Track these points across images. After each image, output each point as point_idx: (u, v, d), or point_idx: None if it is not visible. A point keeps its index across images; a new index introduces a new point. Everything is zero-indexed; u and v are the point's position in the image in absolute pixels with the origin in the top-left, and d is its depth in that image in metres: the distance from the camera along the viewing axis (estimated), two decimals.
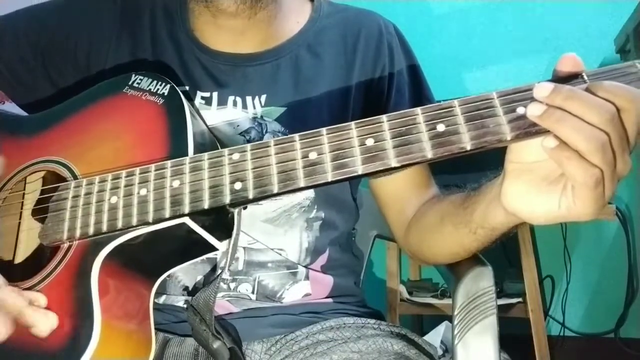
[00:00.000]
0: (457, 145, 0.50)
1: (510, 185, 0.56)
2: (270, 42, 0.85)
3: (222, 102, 0.82)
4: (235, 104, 0.82)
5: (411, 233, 0.84)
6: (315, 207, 0.84)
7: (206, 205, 0.58)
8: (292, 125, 0.81)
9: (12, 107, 0.90)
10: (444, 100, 0.53)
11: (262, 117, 0.81)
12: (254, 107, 0.82)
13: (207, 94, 0.82)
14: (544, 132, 0.49)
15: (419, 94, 0.90)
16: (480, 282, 0.73)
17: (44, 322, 0.59)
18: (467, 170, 0.90)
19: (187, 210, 0.58)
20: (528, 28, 2.14)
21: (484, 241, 0.68)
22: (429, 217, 0.80)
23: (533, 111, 0.49)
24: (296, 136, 0.56)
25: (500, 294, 1.82)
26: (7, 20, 0.89)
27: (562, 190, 0.52)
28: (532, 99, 0.49)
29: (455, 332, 0.72)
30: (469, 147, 0.50)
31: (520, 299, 1.80)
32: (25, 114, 0.88)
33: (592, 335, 2.08)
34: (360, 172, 0.53)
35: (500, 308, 0.74)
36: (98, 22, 0.86)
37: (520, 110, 0.49)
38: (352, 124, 0.55)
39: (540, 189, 0.54)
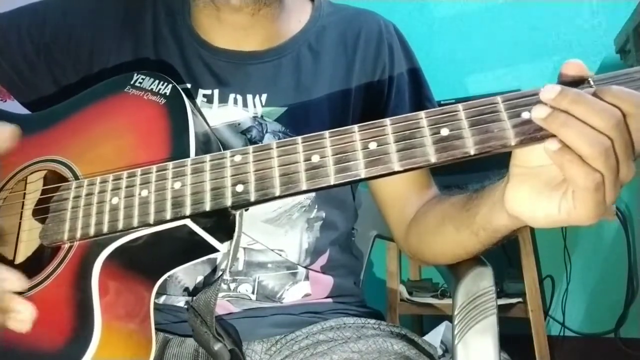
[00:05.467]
0: (460, 150, 0.50)
1: (514, 189, 0.56)
2: (273, 40, 0.85)
3: (222, 100, 0.81)
4: (235, 102, 0.81)
5: (411, 233, 0.84)
6: (316, 206, 0.84)
7: (207, 208, 0.57)
8: (293, 125, 0.81)
9: (14, 105, 0.89)
10: (444, 101, 0.52)
11: (262, 117, 0.81)
12: (254, 106, 0.81)
13: (208, 92, 0.81)
14: (548, 137, 0.48)
15: (419, 94, 0.89)
16: (480, 282, 0.73)
17: (25, 310, 0.57)
18: (469, 170, 0.90)
19: (188, 212, 0.58)
20: (528, 28, 2.14)
21: (486, 243, 0.68)
22: (430, 218, 0.80)
23: (538, 114, 0.49)
24: (299, 139, 0.56)
25: (500, 294, 1.82)
26: (10, 17, 0.89)
27: (563, 194, 0.52)
28: (538, 101, 0.49)
29: (455, 332, 0.71)
30: (472, 152, 0.50)
31: (520, 299, 1.81)
32: (27, 112, 0.88)
33: (592, 335, 2.08)
34: (363, 176, 0.52)
35: (500, 308, 0.74)
36: (101, 20, 0.86)
37: (525, 115, 0.49)
38: (355, 127, 0.54)
39: (542, 193, 0.54)
